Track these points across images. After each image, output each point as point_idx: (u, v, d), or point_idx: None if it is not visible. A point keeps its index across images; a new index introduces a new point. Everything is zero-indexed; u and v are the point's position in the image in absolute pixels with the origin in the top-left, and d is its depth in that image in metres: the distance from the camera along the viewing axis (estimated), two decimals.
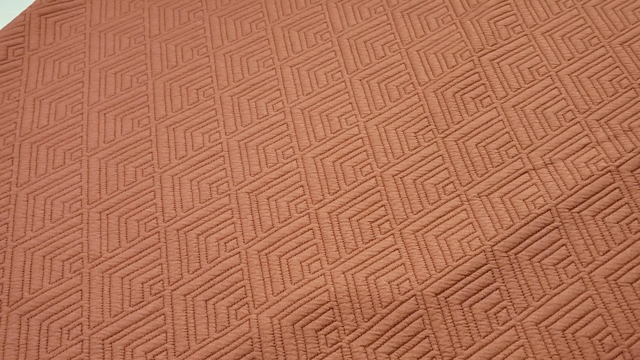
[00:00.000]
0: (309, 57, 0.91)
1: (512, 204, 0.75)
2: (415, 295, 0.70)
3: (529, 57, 0.88)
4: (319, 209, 0.77)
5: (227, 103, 0.87)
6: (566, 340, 0.66)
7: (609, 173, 0.76)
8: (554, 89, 0.85)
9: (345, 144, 0.82)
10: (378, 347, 0.67)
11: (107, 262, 0.74)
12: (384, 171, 0.79)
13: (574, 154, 0.79)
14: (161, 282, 0.73)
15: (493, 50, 0.89)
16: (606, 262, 0.70)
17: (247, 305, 0.70)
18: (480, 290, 0.70)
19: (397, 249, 0.73)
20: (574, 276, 0.70)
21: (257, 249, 0.74)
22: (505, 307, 0.69)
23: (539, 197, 0.75)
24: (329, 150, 0.82)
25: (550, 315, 0.68)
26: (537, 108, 0.83)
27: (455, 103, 0.84)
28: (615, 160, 0.77)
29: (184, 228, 0.76)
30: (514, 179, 0.77)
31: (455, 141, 0.81)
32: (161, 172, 0.81)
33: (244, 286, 0.72)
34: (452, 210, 0.75)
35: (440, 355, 0.66)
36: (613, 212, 0.74)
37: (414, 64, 0.89)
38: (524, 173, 0.78)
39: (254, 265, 0.73)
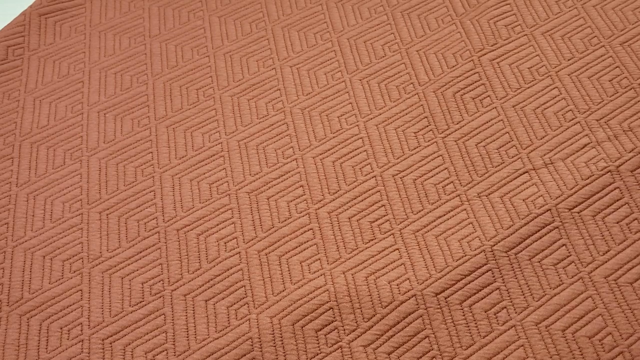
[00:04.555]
0: (309, 57, 0.91)
1: (512, 204, 0.75)
2: (415, 295, 0.70)
3: (529, 57, 0.88)
4: (319, 209, 0.77)
5: (227, 103, 0.87)
6: (566, 340, 0.66)
7: (609, 173, 0.76)
8: (554, 89, 0.85)
9: (345, 144, 0.82)
10: (378, 347, 0.67)
11: (107, 262, 0.74)
12: (384, 171, 0.79)
13: (574, 154, 0.79)
14: (161, 282, 0.73)
15: (493, 50, 0.89)
16: (606, 262, 0.70)
17: (247, 305, 0.70)
18: (480, 290, 0.70)
19: (397, 249, 0.73)
20: (574, 276, 0.70)
21: (257, 249, 0.74)
22: (505, 307, 0.69)
23: (539, 197, 0.75)
24: (329, 150, 0.82)
25: (550, 315, 0.68)
26: (537, 108, 0.83)
27: (455, 103, 0.84)
28: (615, 160, 0.77)
29: (184, 228, 0.76)
30: (514, 179, 0.77)
31: (455, 141, 0.81)
32: (161, 172, 0.81)
33: (244, 286, 0.72)
34: (452, 210, 0.75)
35: (440, 355, 0.66)
36: (613, 212, 0.74)
37: (414, 64, 0.89)
38: (524, 173, 0.78)
39: (254, 265, 0.73)
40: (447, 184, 0.78)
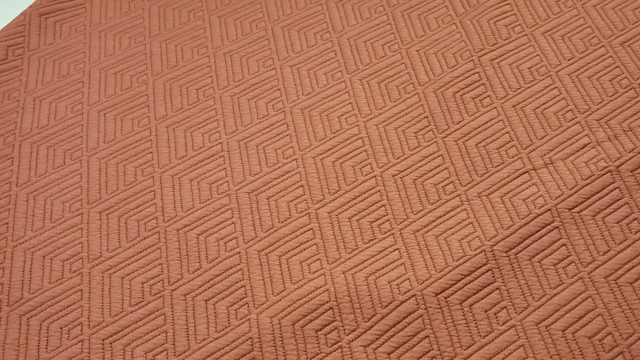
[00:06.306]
0: (309, 57, 0.91)
1: (512, 204, 0.75)
2: (415, 295, 0.70)
3: (529, 57, 0.88)
4: (319, 209, 0.77)
5: (227, 103, 0.87)
6: (566, 340, 0.66)
7: (609, 173, 0.76)
8: (554, 89, 0.85)
9: (345, 144, 0.82)
10: (378, 347, 0.67)
11: (107, 262, 0.74)
12: (384, 171, 0.79)
13: (574, 154, 0.79)
14: (161, 282, 0.73)
15: (493, 50, 0.89)
16: (606, 262, 0.70)
17: (247, 305, 0.70)
18: (480, 290, 0.70)
19: (397, 249, 0.73)
20: (574, 276, 0.70)
21: (257, 249, 0.74)
22: (505, 307, 0.69)
23: (539, 197, 0.75)
24: (329, 150, 0.82)
25: (550, 315, 0.68)
26: (537, 108, 0.83)
27: (455, 103, 0.84)
28: (615, 160, 0.77)
29: (184, 228, 0.76)
30: (514, 179, 0.77)
31: (455, 141, 0.81)
32: (161, 172, 0.81)
33: (244, 286, 0.72)
34: (452, 210, 0.75)
35: (440, 355, 0.66)
36: (613, 212, 0.74)
37: (414, 64, 0.89)
38: (524, 173, 0.78)
39: (254, 265, 0.73)
40: (447, 184, 0.78)
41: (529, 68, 0.87)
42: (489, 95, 0.85)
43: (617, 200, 0.74)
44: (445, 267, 0.71)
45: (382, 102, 0.85)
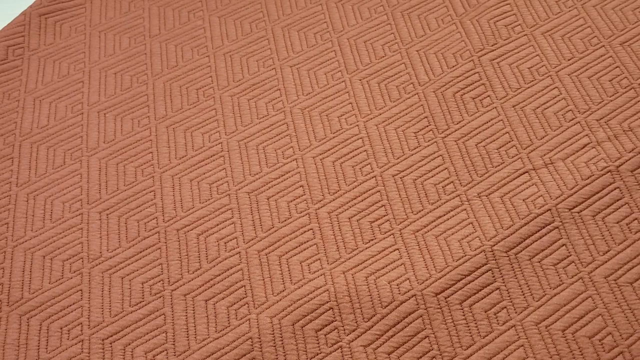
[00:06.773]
0: (309, 57, 0.91)
1: (512, 204, 0.75)
2: (415, 295, 0.70)
3: (529, 57, 0.88)
4: (319, 209, 0.77)
5: (227, 103, 0.87)
6: (566, 340, 0.66)
7: (609, 173, 0.76)
8: (554, 89, 0.85)
9: (345, 144, 0.82)
10: (378, 347, 0.67)
11: (107, 262, 0.74)
12: (384, 171, 0.79)
13: (574, 154, 0.79)
14: (161, 282, 0.73)
15: (493, 50, 0.89)
16: (606, 262, 0.70)
17: (247, 305, 0.70)
18: (480, 290, 0.70)
19: (397, 249, 0.73)
20: (574, 276, 0.70)
21: (257, 249, 0.74)
22: (505, 307, 0.69)
23: (539, 197, 0.75)
24: (329, 150, 0.82)
25: (550, 315, 0.68)
26: (537, 108, 0.83)
27: (455, 103, 0.84)
28: (615, 160, 0.77)
29: (184, 228, 0.76)
30: (514, 179, 0.77)
31: (455, 141, 0.81)
32: (161, 172, 0.81)
33: (244, 286, 0.72)
34: (452, 210, 0.75)
35: (440, 355, 0.66)
36: (613, 212, 0.74)
37: (414, 64, 0.89)
38: (524, 173, 0.78)
39: (254, 265, 0.73)
40: (447, 184, 0.78)
41: (529, 68, 0.87)
42: (489, 95, 0.85)
43: (617, 200, 0.74)
44: (445, 267, 0.71)
45: (382, 102, 0.85)
